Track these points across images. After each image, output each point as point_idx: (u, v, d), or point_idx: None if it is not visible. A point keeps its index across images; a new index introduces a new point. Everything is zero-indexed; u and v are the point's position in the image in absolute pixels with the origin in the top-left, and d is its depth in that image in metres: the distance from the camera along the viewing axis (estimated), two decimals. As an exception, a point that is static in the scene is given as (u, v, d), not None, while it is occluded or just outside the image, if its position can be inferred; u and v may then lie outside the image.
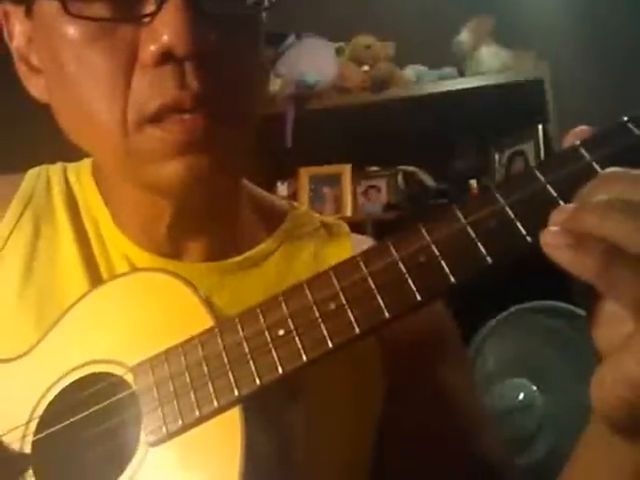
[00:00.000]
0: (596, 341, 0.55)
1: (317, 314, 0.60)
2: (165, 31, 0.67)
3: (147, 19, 0.69)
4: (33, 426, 0.71)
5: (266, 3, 0.77)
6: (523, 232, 0.53)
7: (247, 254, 0.89)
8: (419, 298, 0.56)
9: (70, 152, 0.91)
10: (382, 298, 0.57)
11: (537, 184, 0.53)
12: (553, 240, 0.50)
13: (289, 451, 0.71)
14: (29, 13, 0.77)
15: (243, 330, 0.64)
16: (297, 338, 0.61)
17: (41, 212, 0.90)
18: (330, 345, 0.59)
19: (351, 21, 3.15)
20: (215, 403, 0.63)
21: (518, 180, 0.54)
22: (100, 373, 0.70)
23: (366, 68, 3.01)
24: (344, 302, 0.59)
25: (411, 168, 3.02)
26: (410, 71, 3.01)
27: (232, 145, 0.77)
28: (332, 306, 0.60)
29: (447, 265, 0.55)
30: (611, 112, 0.51)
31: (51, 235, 0.88)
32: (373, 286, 0.58)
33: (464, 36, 2.91)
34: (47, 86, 0.80)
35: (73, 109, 0.76)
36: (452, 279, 0.54)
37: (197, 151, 0.72)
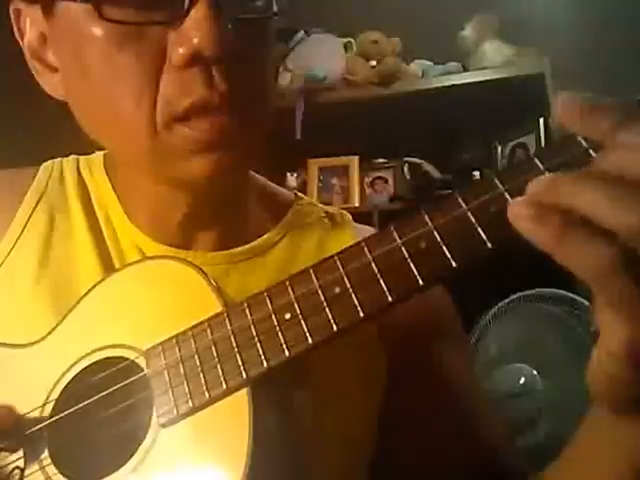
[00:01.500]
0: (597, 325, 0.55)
1: (322, 298, 0.61)
2: (194, 34, 0.68)
3: (176, 22, 0.70)
4: (49, 409, 0.72)
5: (274, 9, 0.78)
6: None
7: (253, 243, 0.90)
8: (421, 282, 0.56)
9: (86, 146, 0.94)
10: (385, 282, 0.57)
11: (536, 171, 0.52)
12: (517, 210, 0.49)
13: (296, 432, 0.72)
14: (48, 13, 0.77)
15: (251, 314, 0.64)
16: (303, 322, 0.61)
17: (55, 202, 0.91)
18: (335, 328, 0.59)
19: (359, 17, 3.16)
20: (224, 385, 0.64)
21: (518, 168, 0.54)
22: (114, 357, 0.71)
23: (373, 63, 3.03)
24: (349, 286, 0.59)
25: (417, 160, 3.02)
26: (416, 66, 3.03)
27: (253, 142, 0.79)
28: (337, 290, 0.60)
29: (448, 250, 0.55)
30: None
31: (65, 224, 0.89)
32: (377, 270, 0.58)
33: (468, 32, 2.93)
34: (64, 84, 0.80)
35: (96, 108, 0.77)
36: (453, 263, 0.55)
37: (223, 149, 0.74)
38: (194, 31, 0.68)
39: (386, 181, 3.19)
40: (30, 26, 0.81)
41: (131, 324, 0.73)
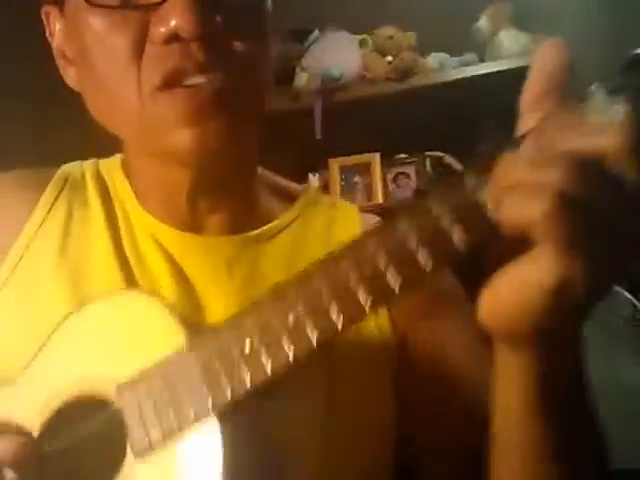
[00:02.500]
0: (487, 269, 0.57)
1: (281, 332, 0.61)
2: (173, 16, 0.72)
3: (156, 6, 0.75)
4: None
5: None
6: None
7: (264, 228, 0.93)
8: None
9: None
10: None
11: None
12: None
13: (273, 454, 0.74)
14: (62, 11, 0.85)
15: (214, 345, 0.65)
16: (264, 354, 0.61)
17: (74, 197, 0.95)
18: (269, 371, 0.61)
19: (373, 13, 3.15)
20: (192, 415, 0.64)
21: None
22: (87, 392, 0.73)
23: (389, 58, 3.01)
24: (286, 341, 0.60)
25: (438, 153, 3.03)
26: (432, 59, 3.00)
27: (238, 114, 0.80)
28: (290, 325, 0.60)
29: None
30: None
31: (84, 216, 0.93)
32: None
33: (483, 22, 2.91)
34: (78, 75, 0.86)
35: (98, 91, 0.82)
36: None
37: (205, 120, 0.76)
38: (172, 13, 0.73)
39: (408, 176, 3.16)
40: (56, 26, 0.88)
41: (104, 357, 0.74)
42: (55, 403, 0.74)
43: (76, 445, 0.72)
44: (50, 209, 0.93)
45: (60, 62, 0.89)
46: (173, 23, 0.72)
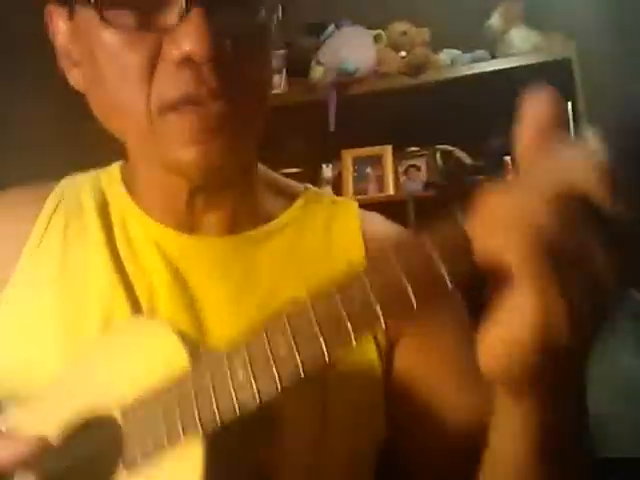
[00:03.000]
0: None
1: (270, 355, 0.62)
2: (186, 41, 0.73)
3: (170, 29, 0.75)
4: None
5: (274, 15, 0.83)
6: None
7: (261, 228, 0.93)
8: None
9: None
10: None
11: None
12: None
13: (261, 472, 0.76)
14: (71, 15, 0.83)
15: (211, 373, 0.66)
16: (253, 380, 0.62)
17: (71, 209, 0.95)
18: (257, 399, 0.62)
19: (388, 9, 3.17)
20: (181, 436, 0.66)
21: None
22: (98, 415, 0.74)
23: (403, 54, 3.05)
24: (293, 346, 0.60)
25: (448, 147, 3.05)
26: (445, 55, 3.04)
27: (242, 135, 0.82)
28: (282, 352, 0.61)
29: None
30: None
31: (80, 226, 0.93)
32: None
33: (495, 20, 2.94)
34: (84, 78, 0.86)
35: (106, 98, 0.82)
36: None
37: (209, 140, 0.78)
38: (186, 37, 0.73)
39: (419, 169, 3.21)
40: (60, 26, 0.87)
41: (115, 381, 0.75)
42: (67, 422, 0.76)
43: (78, 462, 0.74)
44: (47, 225, 0.93)
45: (64, 62, 0.88)
46: (186, 47, 0.73)
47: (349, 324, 0.57)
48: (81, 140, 2.58)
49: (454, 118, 2.94)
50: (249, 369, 0.63)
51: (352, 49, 3.03)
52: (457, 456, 0.82)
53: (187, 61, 0.74)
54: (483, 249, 0.51)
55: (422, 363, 0.89)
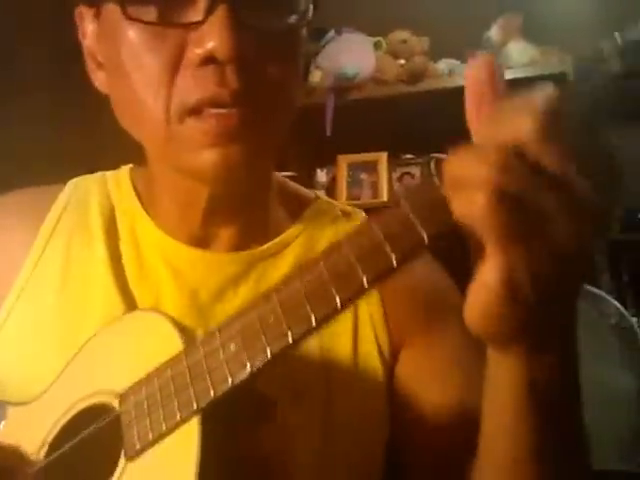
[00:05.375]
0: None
1: (260, 328, 0.63)
2: (210, 38, 0.71)
3: (195, 26, 0.73)
4: (43, 453, 0.76)
5: (304, 21, 0.80)
6: None
7: (271, 243, 0.91)
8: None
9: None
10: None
11: None
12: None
13: (256, 461, 0.75)
14: (98, 14, 0.82)
15: (203, 349, 0.67)
16: (244, 350, 0.63)
17: (75, 218, 0.93)
18: (269, 355, 0.61)
19: (388, 17, 3.18)
20: (178, 416, 0.66)
21: None
22: (99, 402, 0.75)
23: (402, 61, 3.06)
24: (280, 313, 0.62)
25: (443, 156, 3.02)
26: (443, 65, 3.06)
27: (263, 139, 0.80)
28: (271, 319, 0.62)
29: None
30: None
31: (84, 240, 0.91)
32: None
33: (494, 32, 2.96)
34: (107, 79, 0.84)
35: (127, 100, 0.80)
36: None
37: (230, 143, 0.75)
38: (210, 35, 0.71)
39: (413, 176, 3.20)
40: (89, 28, 0.85)
41: (116, 371, 0.76)
42: (72, 411, 0.77)
43: (77, 451, 0.74)
44: (49, 238, 0.92)
45: (90, 63, 0.87)
46: (210, 45, 0.71)
47: (333, 289, 0.57)
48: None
49: (450, 127, 2.91)
50: (239, 339, 0.63)
51: (352, 55, 3.03)
52: (458, 457, 0.81)
53: (210, 61, 0.72)
54: (453, 208, 0.52)
55: (426, 371, 0.89)
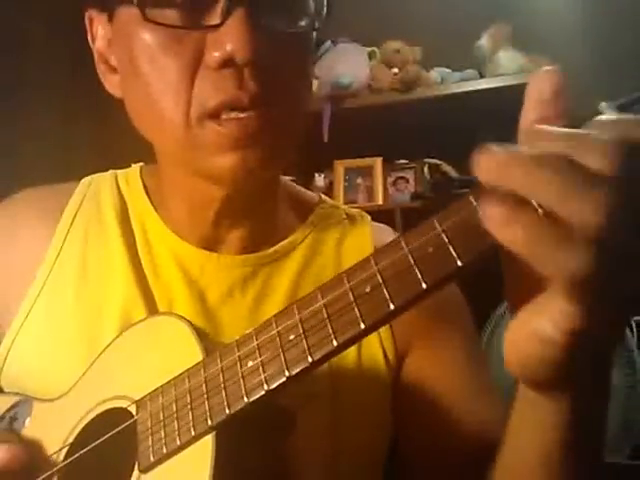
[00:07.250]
0: (507, 295, 0.54)
1: (279, 343, 0.61)
2: (229, 40, 0.70)
3: (213, 28, 0.73)
4: (62, 455, 0.76)
5: (316, 25, 0.80)
6: None
7: (278, 246, 0.91)
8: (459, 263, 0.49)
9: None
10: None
11: None
12: (488, 213, 0.44)
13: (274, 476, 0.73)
14: (111, 18, 0.81)
15: (221, 361, 0.65)
16: (261, 368, 0.61)
17: (90, 216, 0.93)
18: (266, 388, 0.60)
19: (382, 28, 3.20)
20: (192, 432, 0.64)
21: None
22: (117, 407, 0.74)
23: (396, 70, 3.08)
24: (301, 332, 0.59)
25: (436, 161, 3.08)
26: (435, 73, 3.08)
27: (282, 143, 0.80)
28: (292, 337, 0.60)
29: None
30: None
31: (100, 237, 0.91)
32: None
33: (484, 41, 2.98)
34: (121, 83, 0.83)
35: (143, 104, 0.79)
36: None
37: (250, 146, 0.75)
38: (228, 38, 0.71)
39: (407, 181, 3.25)
40: (100, 32, 0.85)
41: (134, 376, 0.75)
42: (91, 415, 0.76)
43: (93, 456, 0.73)
44: (67, 235, 0.91)
45: (101, 67, 0.86)
46: (229, 47, 0.70)
47: (357, 310, 0.54)
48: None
49: (442, 133, 2.96)
50: (258, 355, 0.62)
51: (347, 64, 3.06)
52: (459, 458, 0.84)
53: (228, 65, 0.72)
54: (499, 233, 0.44)
55: (430, 376, 0.89)
